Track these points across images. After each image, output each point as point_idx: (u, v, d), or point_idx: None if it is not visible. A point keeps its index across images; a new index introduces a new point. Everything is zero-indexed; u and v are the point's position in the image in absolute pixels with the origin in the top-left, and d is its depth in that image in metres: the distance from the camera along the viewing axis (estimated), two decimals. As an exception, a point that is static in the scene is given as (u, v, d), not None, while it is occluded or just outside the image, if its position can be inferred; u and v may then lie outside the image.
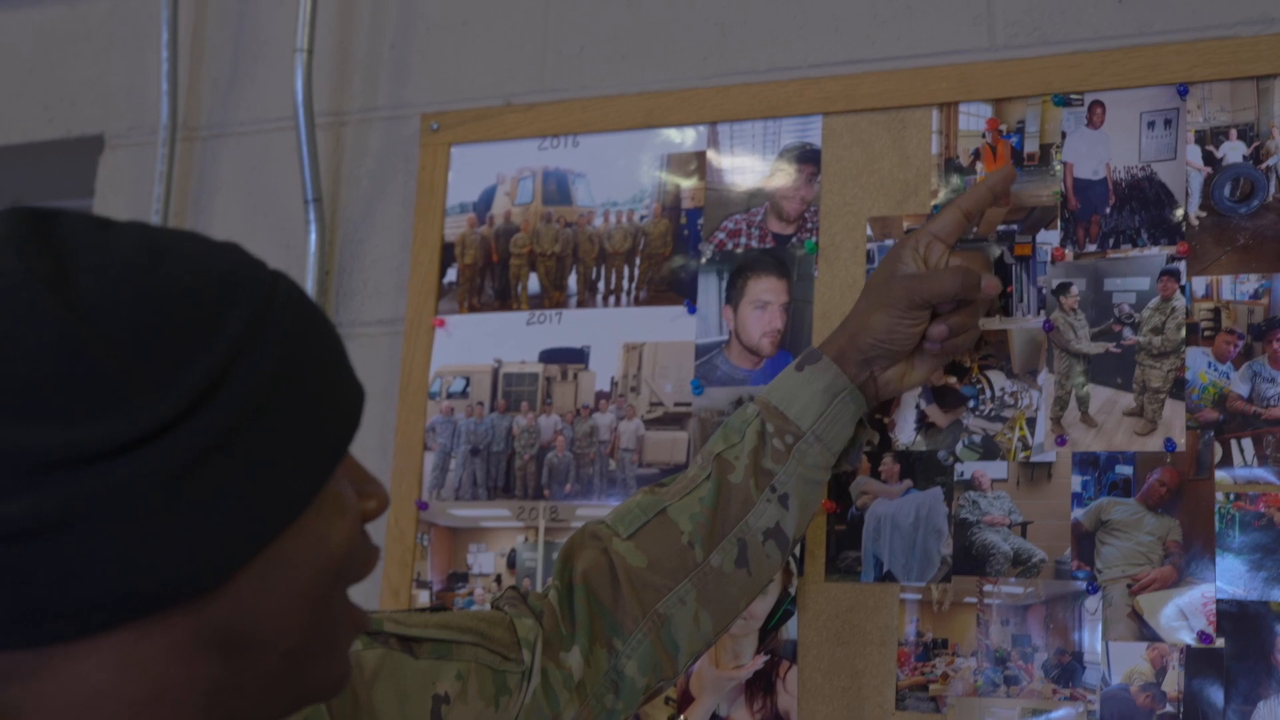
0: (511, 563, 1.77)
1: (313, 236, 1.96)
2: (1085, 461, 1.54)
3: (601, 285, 1.81)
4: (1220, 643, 1.45)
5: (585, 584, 1.37)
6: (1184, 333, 1.52)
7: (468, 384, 1.85)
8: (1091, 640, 1.50)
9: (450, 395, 1.85)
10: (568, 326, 1.82)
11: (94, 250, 0.81)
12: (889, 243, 1.66)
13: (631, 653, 1.37)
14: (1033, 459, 1.56)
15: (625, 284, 1.80)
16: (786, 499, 1.43)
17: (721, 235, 1.76)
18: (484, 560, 1.79)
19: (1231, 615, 1.45)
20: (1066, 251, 1.59)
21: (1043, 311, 1.58)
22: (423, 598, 1.80)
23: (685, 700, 1.66)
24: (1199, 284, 1.53)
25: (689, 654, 1.41)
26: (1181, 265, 1.53)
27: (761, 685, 1.63)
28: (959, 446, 1.59)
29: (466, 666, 1.25)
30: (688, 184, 1.79)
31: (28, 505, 0.77)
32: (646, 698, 1.41)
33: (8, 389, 0.77)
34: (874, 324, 1.47)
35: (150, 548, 0.79)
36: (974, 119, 1.65)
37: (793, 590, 1.63)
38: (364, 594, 1.87)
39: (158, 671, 0.83)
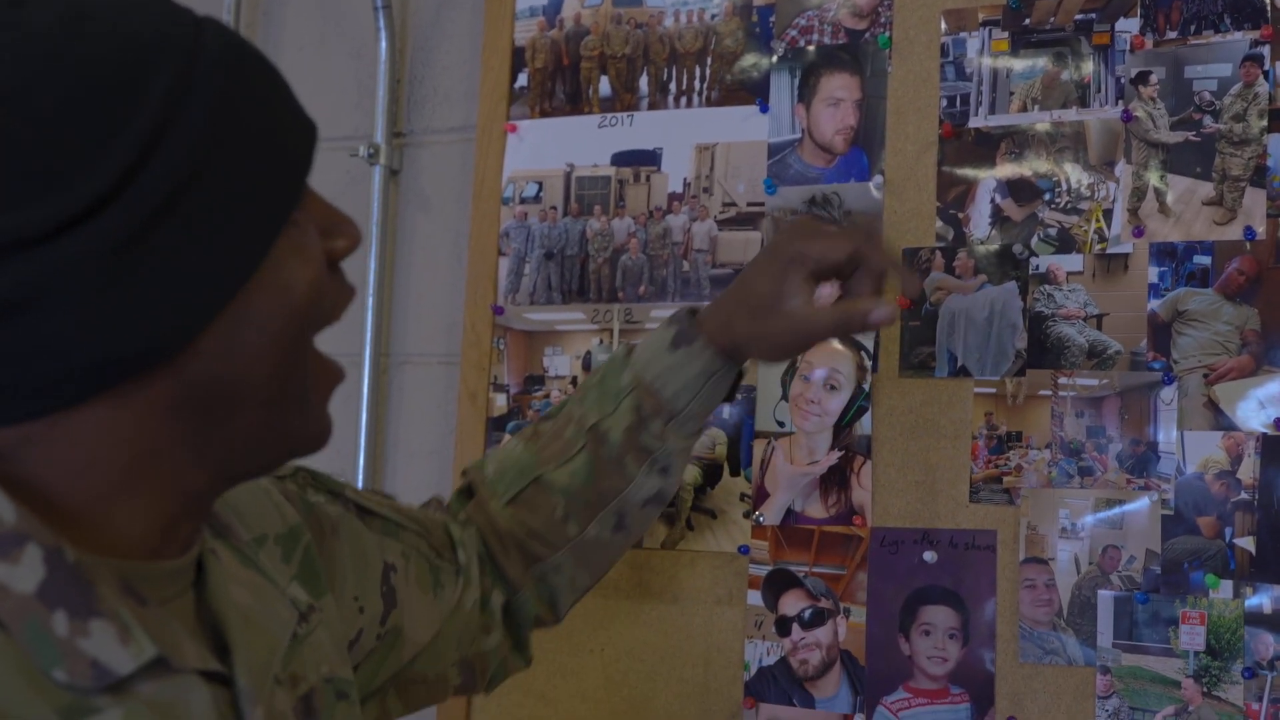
0: (587, 364, 1.79)
1: (383, 44, 1.95)
2: (1162, 252, 1.52)
3: (673, 86, 1.80)
4: (1297, 430, 1.45)
5: (478, 533, 1.36)
6: (1266, 119, 1.49)
7: (540, 189, 1.85)
8: (1166, 430, 1.50)
9: (523, 200, 1.85)
10: (639, 129, 1.81)
11: (7, 28, 0.81)
12: (963, 35, 1.63)
13: (519, 607, 1.36)
14: (1109, 251, 1.55)
15: (697, 84, 1.78)
16: (668, 470, 1.35)
17: (793, 32, 1.73)
18: (560, 363, 1.81)
19: (1309, 403, 1.45)
20: (1146, 39, 1.55)
21: (1121, 101, 1.56)
22: (499, 401, 1.83)
23: (761, 497, 1.68)
24: (1282, 69, 1.49)
25: (568, 604, 1.39)
26: (1265, 50, 1.50)
27: (836, 480, 1.65)
28: (1034, 240, 1.58)
29: (409, 550, 1.26)
30: (759, -19, 1.76)
31: None
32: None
33: None
34: (762, 348, 1.30)
35: (108, 319, 0.81)
36: (1052, -95, 1.61)
37: (867, 386, 1.64)
38: (440, 404, 1.90)
39: (142, 433, 0.87)
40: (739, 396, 1.55)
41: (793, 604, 1.65)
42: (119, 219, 0.80)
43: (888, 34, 1.68)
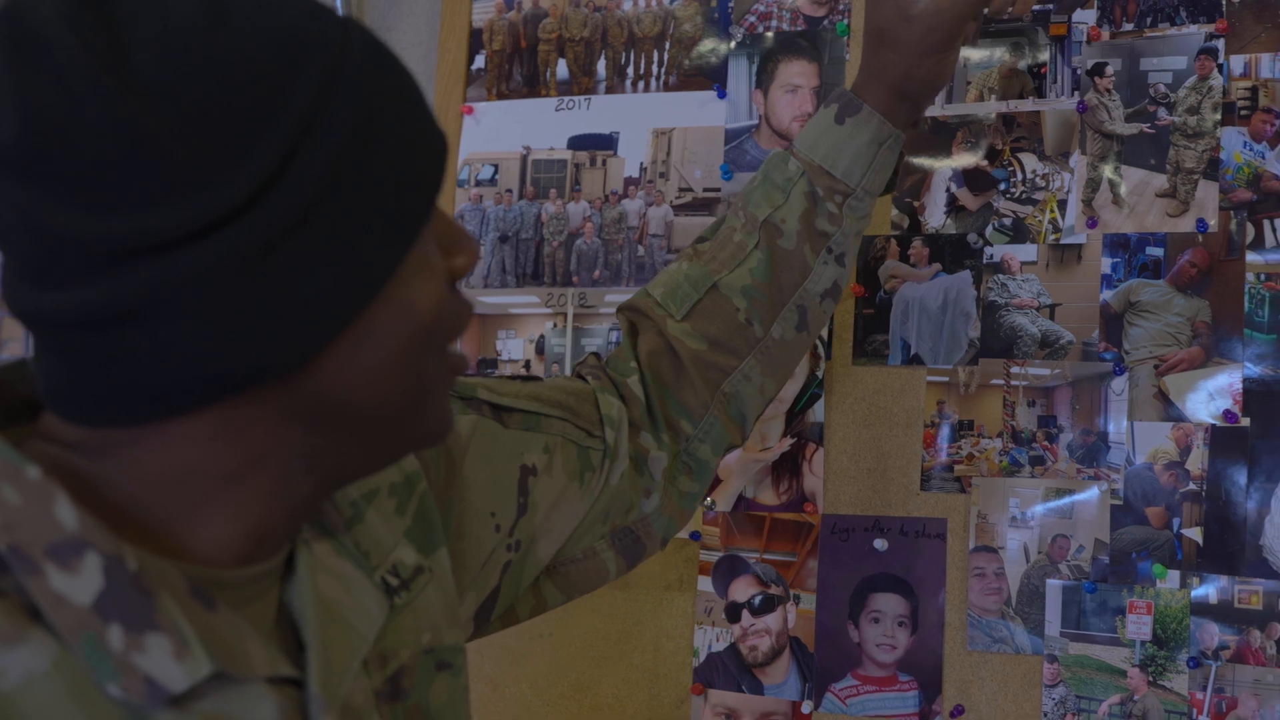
0: (540, 349, 1.78)
1: (339, 23, 1.94)
2: (1116, 243, 1.53)
3: (631, 70, 1.79)
4: (1245, 422, 1.45)
5: (650, 369, 1.32)
6: (1220, 113, 1.50)
7: (496, 171, 1.84)
8: (1117, 421, 1.51)
9: (479, 183, 1.85)
10: (596, 112, 1.80)
11: (151, 16, 0.77)
12: (922, 23, 1.63)
13: (704, 436, 1.33)
14: (1063, 241, 1.55)
15: (654, 69, 1.78)
16: (843, 257, 1.36)
17: (752, 18, 1.73)
18: (513, 346, 1.80)
19: (1258, 395, 1.45)
20: (1103, 31, 1.56)
21: (1076, 92, 1.56)
22: (453, 384, 1.82)
23: (713, 483, 1.67)
24: (1237, 62, 1.50)
25: (754, 419, 1.38)
26: (1220, 43, 1.51)
27: (788, 467, 1.65)
28: (989, 229, 1.58)
29: (554, 441, 1.23)
30: (718, -34, 1.76)
31: (104, 292, 0.77)
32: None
33: (71, 175, 0.76)
34: (921, 73, 1.33)
35: (233, 330, 0.79)
36: (1011, -105, 1.61)
37: (820, 373, 1.64)
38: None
39: (250, 444, 0.84)
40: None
41: (743, 590, 1.65)
42: (256, 228, 0.77)
43: (846, 21, 1.68)
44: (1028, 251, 1.56)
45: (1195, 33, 1.52)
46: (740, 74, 1.73)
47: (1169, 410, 1.49)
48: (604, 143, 1.79)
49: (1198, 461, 1.47)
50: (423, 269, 0.86)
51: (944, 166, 1.61)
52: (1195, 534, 1.46)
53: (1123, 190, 1.53)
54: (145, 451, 0.83)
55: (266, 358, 0.81)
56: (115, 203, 0.76)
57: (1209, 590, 1.45)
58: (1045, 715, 1.50)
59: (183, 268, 0.76)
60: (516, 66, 1.85)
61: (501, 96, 1.85)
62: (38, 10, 0.77)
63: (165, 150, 0.76)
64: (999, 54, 1.60)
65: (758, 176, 1.37)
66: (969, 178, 1.60)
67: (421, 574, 1.05)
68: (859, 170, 1.34)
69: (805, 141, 1.35)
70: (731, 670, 1.65)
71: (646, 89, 1.78)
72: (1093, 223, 1.54)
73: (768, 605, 1.64)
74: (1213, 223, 1.49)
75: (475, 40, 1.87)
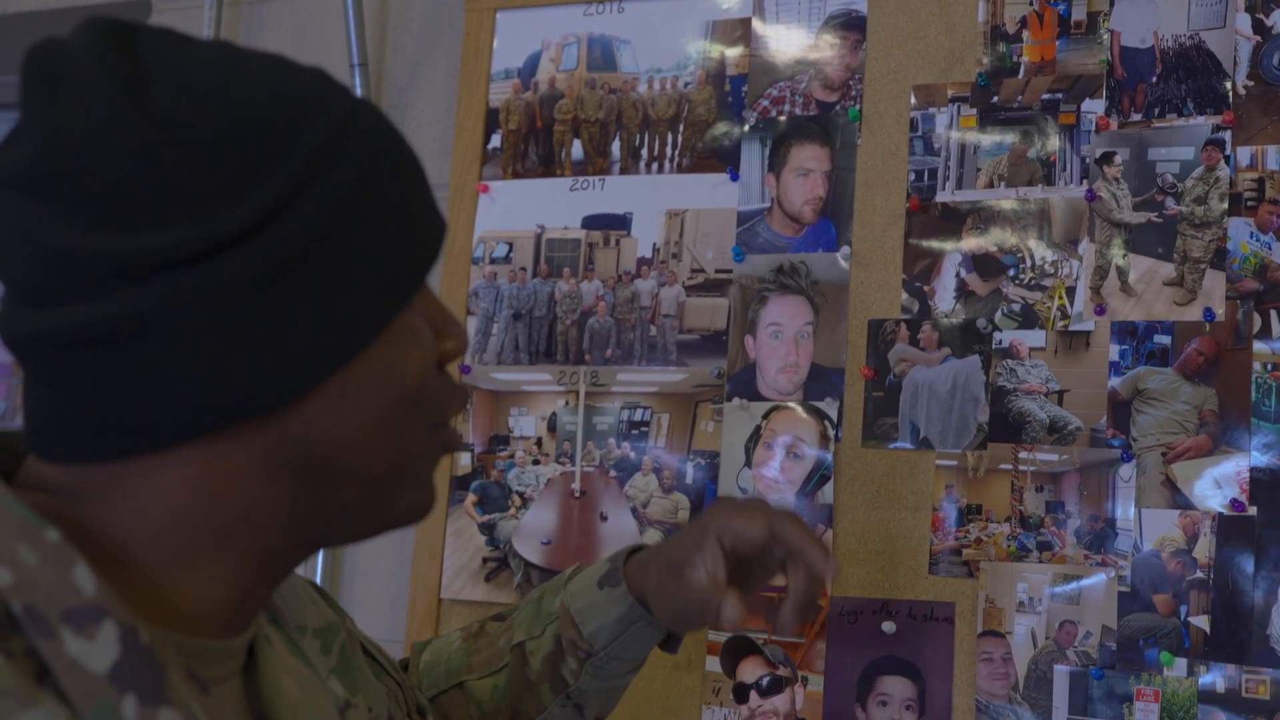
0: (552, 426, 1.80)
1: (358, 101, 1.96)
2: (1124, 330, 1.54)
3: (645, 152, 1.81)
4: (1253, 510, 1.46)
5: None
6: (1226, 203, 1.51)
7: (511, 249, 1.86)
8: (1124, 507, 1.52)
9: (493, 260, 1.86)
10: (610, 193, 1.83)
11: (172, 64, 0.82)
12: (932, 111, 1.65)
13: None
14: (1071, 328, 1.56)
15: (668, 151, 1.80)
16: (582, 708, 1.27)
17: (765, 102, 1.75)
18: (525, 423, 1.82)
19: (1264, 484, 1.46)
20: (1111, 120, 1.58)
21: (1085, 180, 1.58)
22: (464, 460, 1.83)
23: (721, 562, 1.68)
24: (1244, 154, 1.52)
25: None
26: (1227, 135, 1.52)
27: (797, 548, 1.65)
28: (998, 315, 1.60)
29: (393, 695, 1.18)
30: (732, 51, 1.78)
31: (98, 311, 0.79)
32: None
33: (84, 193, 0.79)
34: (661, 610, 1.22)
35: (220, 360, 0.80)
36: (1022, -14, 1.64)
37: (830, 455, 1.65)
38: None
39: (237, 492, 0.85)
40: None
41: (751, 671, 1.65)
42: (251, 258, 0.80)
43: (858, 107, 1.70)
44: (1036, 337, 1.58)
45: (1203, 124, 1.54)
46: (753, 157, 1.75)
47: (1176, 498, 1.49)
48: (617, 223, 1.81)
49: (1205, 549, 1.47)
50: (413, 338, 0.89)
51: (954, 251, 1.63)
52: (1203, 622, 1.46)
53: (1131, 278, 1.54)
54: (131, 494, 0.84)
55: (251, 392, 0.82)
56: (122, 221, 0.78)
57: (1216, 678, 1.46)
58: (1052, 802, 1.50)
59: (176, 289, 0.79)
60: (532, 146, 1.87)
61: (517, 175, 1.87)
62: (67, 45, 0.81)
63: (175, 175, 0.79)
64: (1009, 141, 1.62)
65: (543, 587, 1.30)
66: (978, 263, 1.61)
67: (352, 707, 1.06)
68: (604, 638, 1.23)
69: (576, 584, 1.26)
70: (739, 751, 1.65)
71: (660, 170, 1.80)
72: (1101, 310, 1.55)
73: (776, 686, 1.64)
74: (1220, 312, 1.50)
75: (492, 120, 1.89)
